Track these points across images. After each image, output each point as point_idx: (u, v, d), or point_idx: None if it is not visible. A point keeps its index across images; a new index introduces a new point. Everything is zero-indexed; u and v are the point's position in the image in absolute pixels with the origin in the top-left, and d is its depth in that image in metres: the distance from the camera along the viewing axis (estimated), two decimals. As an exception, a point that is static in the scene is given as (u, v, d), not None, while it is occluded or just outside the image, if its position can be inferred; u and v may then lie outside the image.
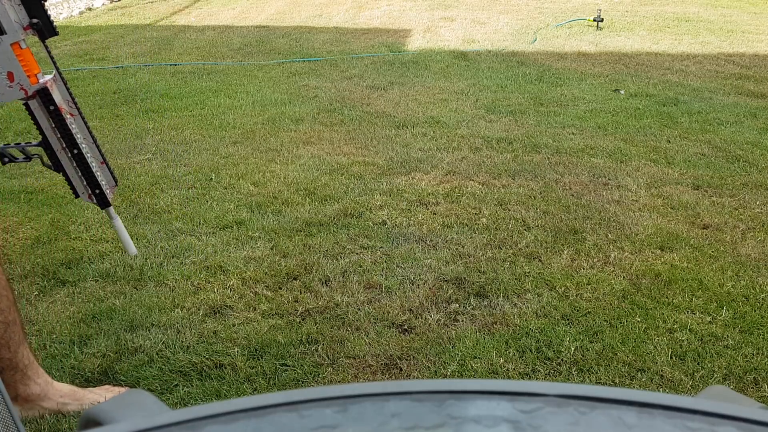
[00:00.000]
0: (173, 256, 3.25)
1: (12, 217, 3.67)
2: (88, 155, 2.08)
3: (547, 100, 5.70)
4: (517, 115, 5.33)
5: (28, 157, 2.08)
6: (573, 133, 4.90)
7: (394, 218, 3.59)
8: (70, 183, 2.11)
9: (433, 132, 4.93)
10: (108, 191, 2.16)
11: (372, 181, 4.06)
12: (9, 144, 2.07)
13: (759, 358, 2.52)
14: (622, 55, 7.24)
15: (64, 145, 2.04)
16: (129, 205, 3.78)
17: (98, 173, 2.12)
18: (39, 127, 1.99)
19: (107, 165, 2.17)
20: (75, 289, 2.98)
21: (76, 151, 2.05)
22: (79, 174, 2.10)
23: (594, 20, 8.37)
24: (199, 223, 3.56)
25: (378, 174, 4.17)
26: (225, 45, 7.93)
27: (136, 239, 3.40)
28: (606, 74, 6.52)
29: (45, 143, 2.04)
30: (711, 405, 0.49)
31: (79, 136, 2.06)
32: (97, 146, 2.12)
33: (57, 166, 2.07)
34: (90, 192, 2.13)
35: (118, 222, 2.27)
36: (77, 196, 2.13)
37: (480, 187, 3.98)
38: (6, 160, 2.02)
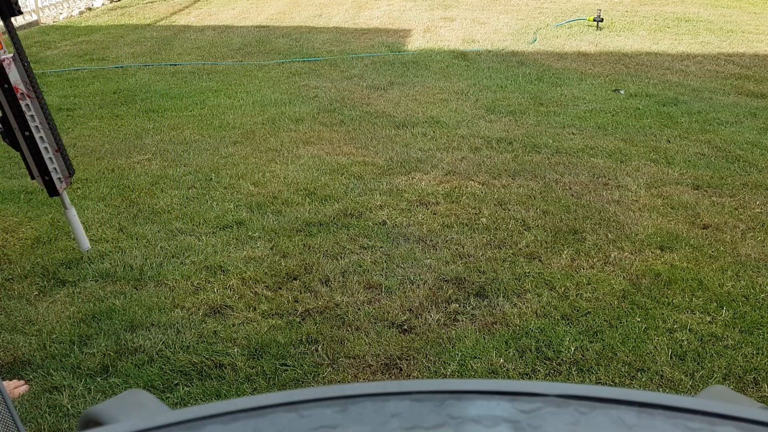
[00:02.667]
0: (173, 256, 3.25)
1: (12, 217, 3.67)
2: (42, 140, 2.07)
3: (547, 100, 5.70)
4: (517, 115, 5.33)
5: None
6: (573, 133, 4.90)
7: (394, 218, 3.59)
8: (26, 163, 2.11)
9: (433, 132, 4.93)
10: (61, 180, 2.15)
11: (372, 181, 4.06)
12: None
13: (759, 358, 2.52)
14: (622, 55, 7.24)
15: (17, 126, 2.04)
16: (129, 205, 3.78)
17: (50, 160, 2.10)
18: None
19: (63, 154, 2.14)
20: (75, 289, 2.98)
21: (27, 134, 2.04)
22: (31, 157, 2.09)
23: (594, 20, 8.37)
24: (199, 223, 3.56)
25: (378, 174, 4.17)
26: (225, 45, 7.93)
27: (136, 239, 3.41)
28: (606, 74, 6.52)
29: (2, 119, 2.04)
30: (711, 405, 0.49)
31: (35, 119, 2.05)
32: (55, 133, 2.10)
33: (14, 145, 2.07)
34: (41, 177, 2.12)
35: (72, 213, 2.24)
36: (32, 178, 2.13)
37: (480, 187, 3.98)
38: None
